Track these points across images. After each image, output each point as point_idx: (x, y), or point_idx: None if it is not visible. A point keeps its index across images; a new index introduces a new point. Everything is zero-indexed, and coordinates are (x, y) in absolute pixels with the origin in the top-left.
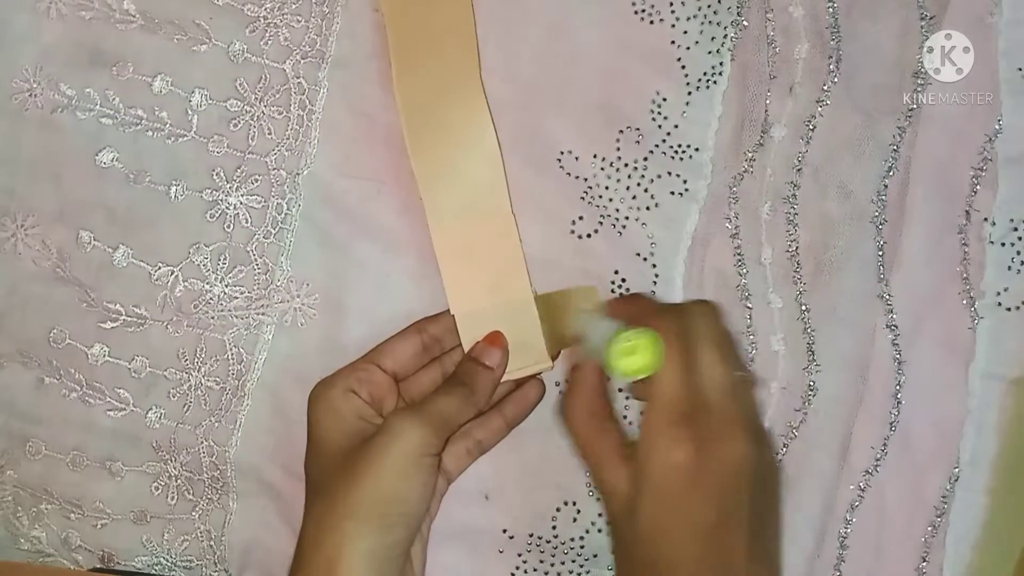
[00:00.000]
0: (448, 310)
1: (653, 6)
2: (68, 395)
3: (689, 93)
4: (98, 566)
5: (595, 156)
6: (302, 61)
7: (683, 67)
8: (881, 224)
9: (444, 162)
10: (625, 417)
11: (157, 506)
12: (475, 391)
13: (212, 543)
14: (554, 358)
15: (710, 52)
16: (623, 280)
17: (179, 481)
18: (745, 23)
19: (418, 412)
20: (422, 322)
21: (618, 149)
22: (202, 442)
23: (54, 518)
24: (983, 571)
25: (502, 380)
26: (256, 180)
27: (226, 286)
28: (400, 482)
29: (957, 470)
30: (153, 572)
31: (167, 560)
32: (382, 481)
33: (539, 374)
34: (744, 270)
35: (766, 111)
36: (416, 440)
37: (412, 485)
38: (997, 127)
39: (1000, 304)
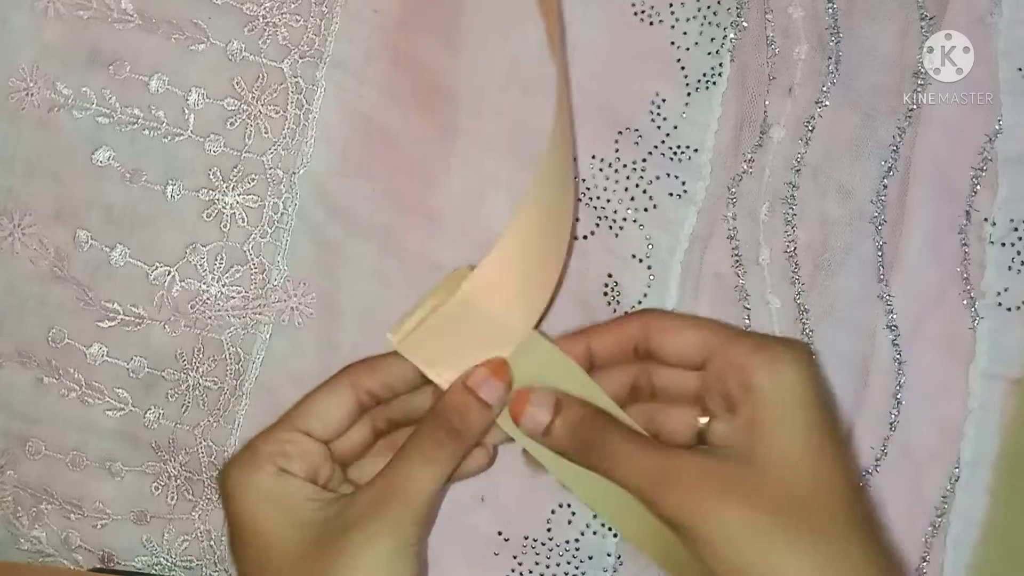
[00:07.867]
0: (382, 355)
1: (652, 7)
2: (67, 395)
3: (688, 94)
4: (98, 566)
5: (593, 157)
6: (300, 61)
7: (682, 68)
8: (881, 224)
9: None
10: None
11: (157, 506)
12: (465, 437)
13: (212, 543)
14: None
15: (709, 53)
16: (616, 283)
17: (179, 481)
18: (744, 24)
19: (388, 505)
20: (355, 373)
21: (616, 150)
22: (201, 442)
23: (54, 518)
24: (983, 571)
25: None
26: (252, 179)
27: (223, 286)
28: None
29: (957, 470)
30: (153, 572)
31: (167, 560)
32: None
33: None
34: (742, 271)
35: (765, 112)
36: (390, 544)
37: None
38: (997, 127)
39: (1000, 304)
